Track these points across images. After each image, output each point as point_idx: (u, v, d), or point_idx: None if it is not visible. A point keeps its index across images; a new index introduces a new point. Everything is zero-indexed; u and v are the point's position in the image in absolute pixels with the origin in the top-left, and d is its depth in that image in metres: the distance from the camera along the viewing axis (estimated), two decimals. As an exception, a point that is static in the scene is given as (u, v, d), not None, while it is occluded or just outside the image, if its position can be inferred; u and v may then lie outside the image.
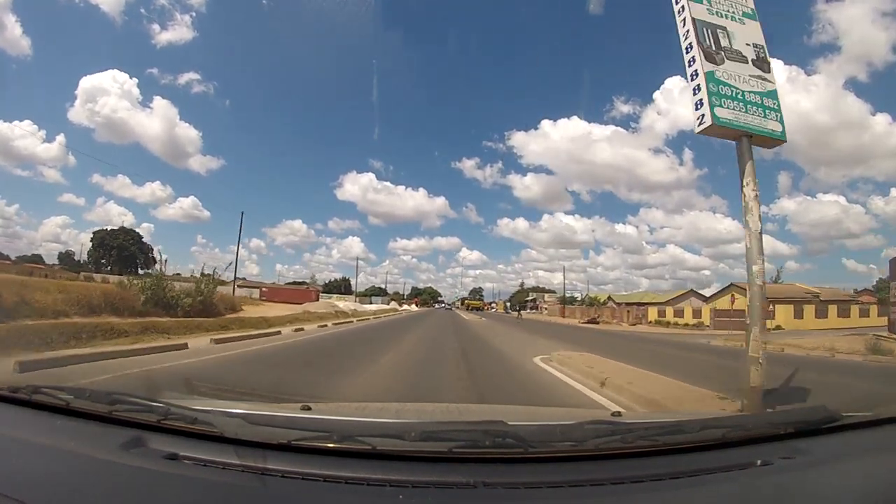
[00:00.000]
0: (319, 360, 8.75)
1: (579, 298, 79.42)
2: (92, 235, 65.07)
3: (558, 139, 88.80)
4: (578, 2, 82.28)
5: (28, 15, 68.15)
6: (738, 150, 4.99)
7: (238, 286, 62.91)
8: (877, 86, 62.55)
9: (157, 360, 7.08)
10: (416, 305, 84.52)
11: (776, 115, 5.08)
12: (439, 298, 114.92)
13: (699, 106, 4.83)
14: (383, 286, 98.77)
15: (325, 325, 18.93)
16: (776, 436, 1.46)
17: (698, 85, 4.84)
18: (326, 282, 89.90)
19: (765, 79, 5.16)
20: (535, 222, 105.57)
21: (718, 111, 4.74)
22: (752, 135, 4.92)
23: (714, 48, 4.94)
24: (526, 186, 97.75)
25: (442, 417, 2.13)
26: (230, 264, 43.60)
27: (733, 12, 5.18)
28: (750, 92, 4.98)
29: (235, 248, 45.25)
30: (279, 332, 13.95)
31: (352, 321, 24.55)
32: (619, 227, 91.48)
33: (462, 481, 1.14)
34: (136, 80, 74.25)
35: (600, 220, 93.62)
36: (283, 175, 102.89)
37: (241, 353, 8.91)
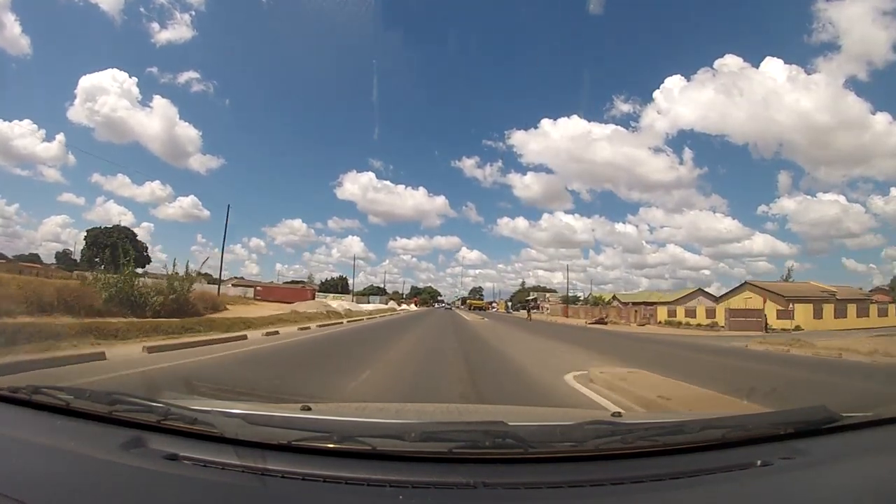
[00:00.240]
0: (269, 381, 6.33)
1: (582, 298, 78.76)
2: (85, 234, 64.42)
3: (558, 138, 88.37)
4: (578, 2, 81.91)
5: (27, 14, 67.72)
6: None
7: (233, 285, 62.07)
8: (877, 85, 62.24)
9: (28, 380, 5.30)
10: (416, 305, 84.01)
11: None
12: (439, 298, 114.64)
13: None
14: (383, 285, 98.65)
15: (308, 328, 16.64)
16: (776, 436, 1.46)
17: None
18: (323, 281, 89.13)
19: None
20: (535, 221, 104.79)
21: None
22: None
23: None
24: (526, 185, 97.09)
25: (442, 418, 2.13)
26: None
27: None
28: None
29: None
30: (244, 338, 11.50)
31: (341, 322, 22.46)
32: (619, 227, 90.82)
33: (462, 482, 1.14)
34: (135, 80, 73.39)
35: (600, 220, 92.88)
36: (282, 174, 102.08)
37: (170, 367, 6.79)
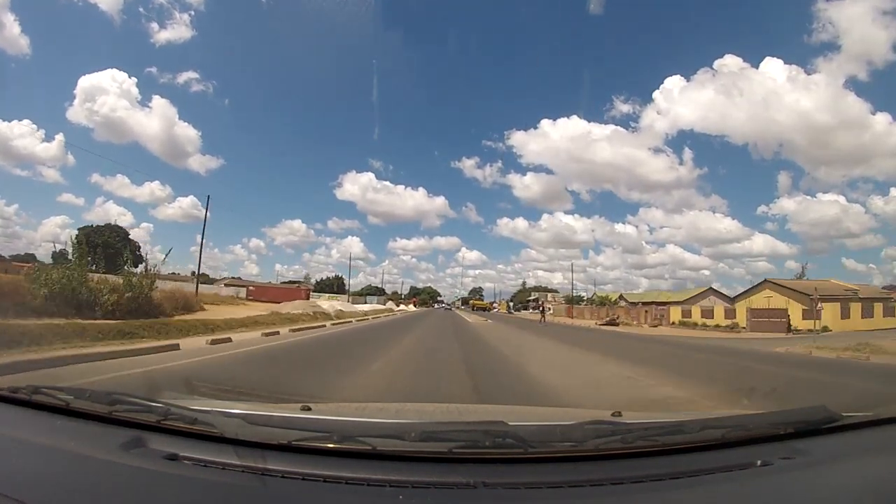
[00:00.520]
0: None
1: (586, 298, 77.74)
2: (76, 232, 64.23)
3: (558, 138, 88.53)
4: (578, 2, 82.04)
5: (27, 14, 67.65)
6: None
7: (226, 285, 61.91)
8: (877, 85, 62.22)
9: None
10: (415, 305, 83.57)
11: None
12: (438, 298, 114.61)
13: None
14: (381, 286, 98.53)
15: (276, 333, 13.44)
16: (776, 436, 1.46)
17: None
18: (318, 280, 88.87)
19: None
20: (535, 222, 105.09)
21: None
22: None
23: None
24: (525, 186, 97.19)
25: (442, 418, 2.12)
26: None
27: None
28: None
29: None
30: (176, 347, 8.73)
31: (324, 325, 19.34)
32: (619, 227, 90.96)
33: (462, 482, 1.14)
34: (134, 80, 73.52)
35: (600, 220, 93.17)
36: (282, 175, 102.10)
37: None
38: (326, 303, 34.82)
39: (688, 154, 78.50)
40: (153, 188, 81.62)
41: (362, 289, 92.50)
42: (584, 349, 14.44)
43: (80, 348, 7.59)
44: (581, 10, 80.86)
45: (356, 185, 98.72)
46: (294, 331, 15.20)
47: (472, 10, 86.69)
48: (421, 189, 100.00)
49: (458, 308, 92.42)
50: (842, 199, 68.77)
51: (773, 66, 66.27)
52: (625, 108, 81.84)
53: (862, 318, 31.68)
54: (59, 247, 16.52)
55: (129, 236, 63.97)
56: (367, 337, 15.62)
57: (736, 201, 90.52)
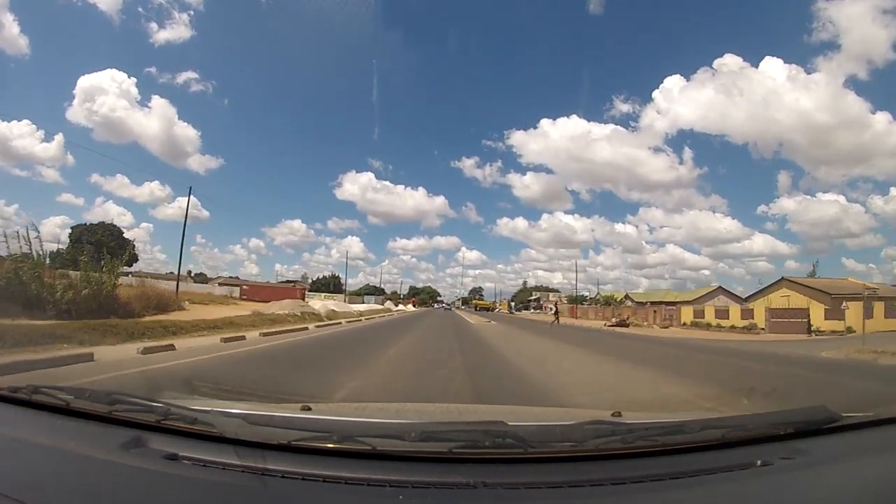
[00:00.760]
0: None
1: (589, 297, 77.03)
2: (70, 231, 61.67)
3: (558, 138, 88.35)
4: (578, 2, 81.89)
5: (26, 14, 67.38)
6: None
7: (219, 284, 61.00)
8: (877, 84, 62.01)
9: None
10: (414, 305, 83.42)
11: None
12: (438, 298, 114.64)
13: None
14: (382, 286, 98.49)
15: (241, 339, 11.58)
16: (776, 436, 1.46)
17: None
18: (314, 279, 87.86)
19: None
20: (535, 222, 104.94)
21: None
22: None
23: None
24: (525, 185, 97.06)
25: (442, 418, 2.12)
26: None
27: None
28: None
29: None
30: (89, 359, 7.16)
31: (306, 328, 16.81)
32: (619, 227, 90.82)
33: (462, 482, 1.14)
34: (134, 80, 73.20)
35: (600, 220, 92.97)
36: (282, 174, 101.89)
37: None
38: (319, 303, 33.49)
39: (688, 154, 78.45)
40: (153, 188, 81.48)
41: (360, 288, 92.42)
42: (607, 357, 12.15)
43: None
44: (581, 10, 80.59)
45: (356, 185, 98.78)
46: (266, 335, 13.14)
47: (472, 10, 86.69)
48: (421, 189, 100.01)
49: (458, 308, 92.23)
50: (842, 198, 68.73)
51: (772, 66, 66.08)
52: (625, 107, 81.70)
53: (885, 317, 29.29)
54: (56, 246, 15.63)
55: (124, 235, 63.25)
56: (369, 338, 14.42)
57: (736, 201, 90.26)
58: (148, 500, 1.08)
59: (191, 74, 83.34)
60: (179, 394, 2.75)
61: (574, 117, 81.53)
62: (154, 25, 75.37)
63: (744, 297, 47.34)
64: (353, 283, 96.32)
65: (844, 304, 24.44)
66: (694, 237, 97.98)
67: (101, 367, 6.84)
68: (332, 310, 29.60)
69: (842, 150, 66.67)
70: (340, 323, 22.85)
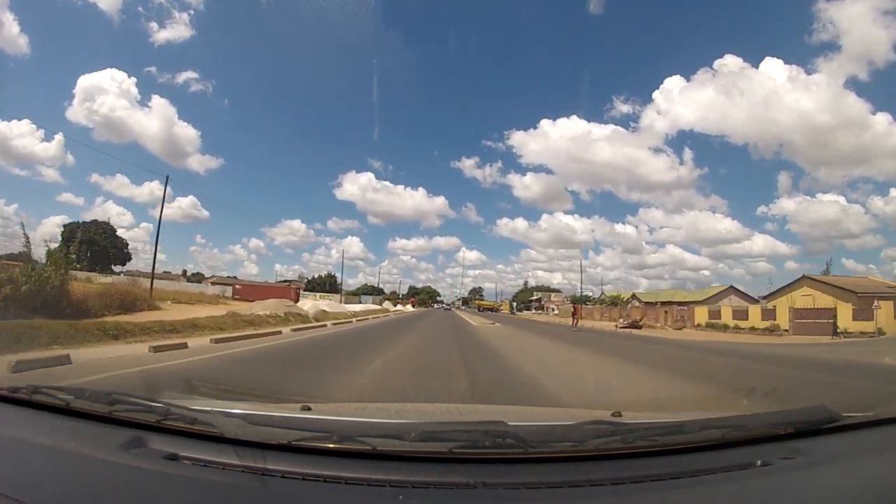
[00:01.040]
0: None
1: (593, 297, 75.94)
2: (62, 228, 58.88)
3: (558, 138, 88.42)
4: (578, 2, 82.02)
5: (26, 13, 67.41)
6: None
7: (212, 283, 60.39)
8: (877, 85, 61.95)
9: None
10: (413, 306, 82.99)
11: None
12: (438, 298, 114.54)
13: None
14: (382, 286, 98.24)
15: (181, 347, 9.50)
16: (776, 436, 1.45)
17: None
18: (309, 279, 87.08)
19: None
20: (535, 222, 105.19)
21: None
22: None
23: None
24: (525, 186, 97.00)
25: (442, 418, 2.12)
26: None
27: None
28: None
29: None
30: None
31: (280, 332, 14.62)
32: (619, 227, 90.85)
33: (462, 482, 1.14)
34: (134, 79, 73.26)
35: (600, 220, 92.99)
36: (282, 175, 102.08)
37: None
38: (309, 302, 31.84)
39: (688, 154, 78.61)
40: (152, 188, 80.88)
41: (358, 288, 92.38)
42: (647, 368, 9.93)
43: None
44: (581, 10, 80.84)
45: (356, 185, 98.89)
46: (218, 341, 10.72)
47: (472, 10, 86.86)
48: (421, 189, 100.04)
49: (458, 308, 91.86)
50: (842, 199, 68.62)
51: (773, 66, 66.07)
52: (625, 108, 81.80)
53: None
54: (51, 245, 14.74)
55: (117, 233, 63.15)
56: (324, 351, 10.90)
57: (736, 201, 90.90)
58: (148, 500, 1.08)
59: (191, 74, 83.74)
60: (179, 394, 2.75)
61: (574, 118, 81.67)
62: (154, 25, 75.61)
63: (752, 297, 46.36)
64: (352, 283, 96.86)
65: (876, 303, 23.47)
66: (694, 238, 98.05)
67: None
68: (323, 310, 27.63)
69: (842, 151, 66.68)
70: (326, 325, 20.13)
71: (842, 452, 1.43)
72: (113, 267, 60.15)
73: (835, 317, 27.99)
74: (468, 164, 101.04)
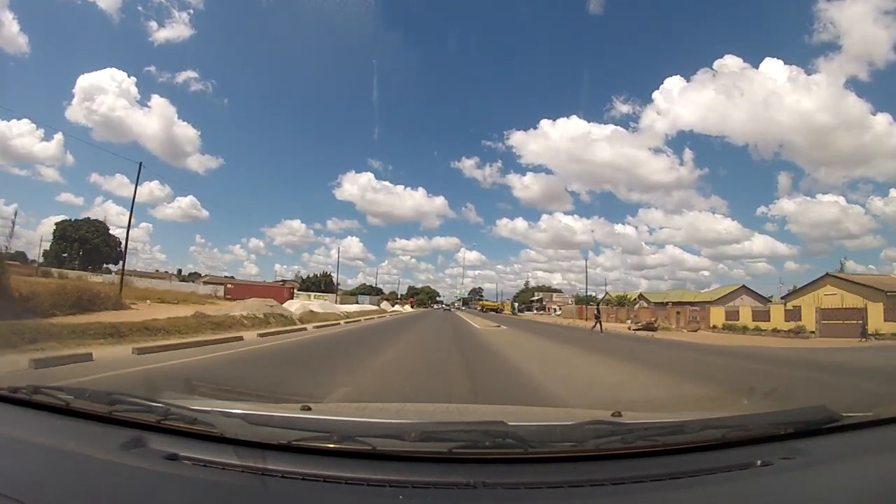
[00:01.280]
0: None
1: (597, 298, 73.65)
2: (54, 227, 59.92)
3: (558, 139, 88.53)
4: (578, 2, 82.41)
5: (25, 13, 67.27)
6: None
7: (204, 283, 59.85)
8: (878, 85, 61.99)
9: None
10: (412, 306, 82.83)
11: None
12: (437, 298, 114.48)
13: None
14: (381, 286, 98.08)
15: (87, 357, 7.01)
16: (776, 436, 1.45)
17: None
18: (303, 278, 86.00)
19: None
20: (535, 222, 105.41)
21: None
22: None
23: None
24: (525, 186, 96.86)
25: (442, 418, 2.12)
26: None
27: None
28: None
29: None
30: None
31: (241, 338, 12.23)
32: (619, 228, 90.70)
33: (462, 482, 1.14)
34: (133, 79, 73.21)
35: (599, 221, 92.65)
36: (282, 175, 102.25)
37: None
38: (297, 303, 29.69)
39: (688, 154, 78.67)
40: (152, 188, 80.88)
41: (356, 288, 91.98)
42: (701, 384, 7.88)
43: None
44: (581, 10, 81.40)
45: (355, 185, 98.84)
46: (143, 352, 8.11)
47: (472, 10, 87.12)
48: (420, 189, 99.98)
49: (457, 309, 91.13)
50: (842, 200, 68.62)
51: (773, 67, 66.23)
52: (625, 108, 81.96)
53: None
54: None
55: (110, 231, 62.16)
56: (272, 368, 8.01)
57: (736, 202, 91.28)
58: (148, 500, 1.08)
59: (190, 74, 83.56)
60: (179, 394, 2.75)
61: (574, 118, 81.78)
62: (154, 24, 75.48)
63: (763, 296, 45.48)
64: (352, 283, 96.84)
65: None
66: (694, 238, 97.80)
67: None
68: (311, 311, 25.92)
69: (842, 152, 66.69)
70: (306, 329, 17.95)
71: (842, 452, 1.43)
72: (107, 266, 59.99)
73: (865, 317, 26.03)
74: (468, 165, 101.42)
